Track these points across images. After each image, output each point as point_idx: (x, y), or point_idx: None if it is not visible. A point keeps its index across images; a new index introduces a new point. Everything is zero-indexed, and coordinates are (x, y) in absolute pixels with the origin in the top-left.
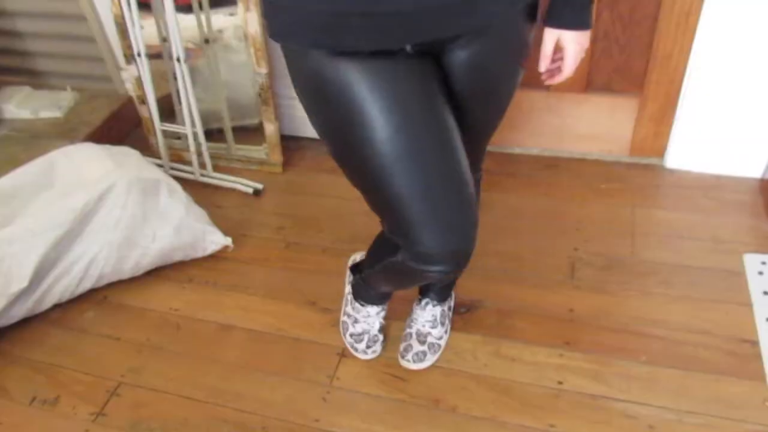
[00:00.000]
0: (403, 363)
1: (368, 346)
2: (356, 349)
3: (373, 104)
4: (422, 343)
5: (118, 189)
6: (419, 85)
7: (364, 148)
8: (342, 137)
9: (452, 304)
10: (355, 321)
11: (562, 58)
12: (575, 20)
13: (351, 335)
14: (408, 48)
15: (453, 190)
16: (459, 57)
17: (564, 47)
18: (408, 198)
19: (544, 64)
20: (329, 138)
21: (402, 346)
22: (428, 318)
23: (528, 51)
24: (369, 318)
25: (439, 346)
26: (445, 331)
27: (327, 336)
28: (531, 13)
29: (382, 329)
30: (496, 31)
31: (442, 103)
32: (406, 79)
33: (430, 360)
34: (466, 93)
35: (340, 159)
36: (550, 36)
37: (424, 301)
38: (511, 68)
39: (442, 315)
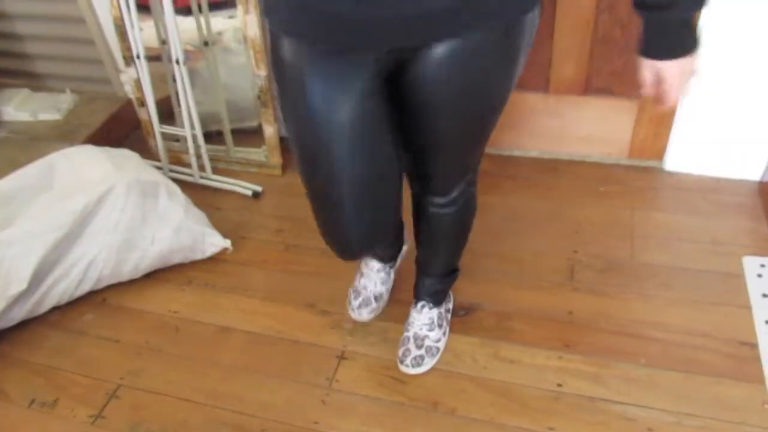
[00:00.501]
0: (402, 368)
1: (360, 306)
2: (350, 305)
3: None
4: (419, 347)
5: (117, 191)
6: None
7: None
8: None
9: (450, 306)
10: (360, 275)
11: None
12: (674, 47)
13: (353, 289)
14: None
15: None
16: (425, 64)
17: (663, 78)
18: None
19: (645, 92)
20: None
21: (400, 351)
22: (425, 321)
23: (507, 76)
24: (370, 273)
25: (438, 349)
26: (443, 334)
27: (326, 338)
28: (510, 38)
29: (380, 297)
30: (462, 47)
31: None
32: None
33: (428, 364)
34: (431, 102)
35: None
36: (647, 65)
37: (419, 304)
38: (479, 88)
39: (440, 317)
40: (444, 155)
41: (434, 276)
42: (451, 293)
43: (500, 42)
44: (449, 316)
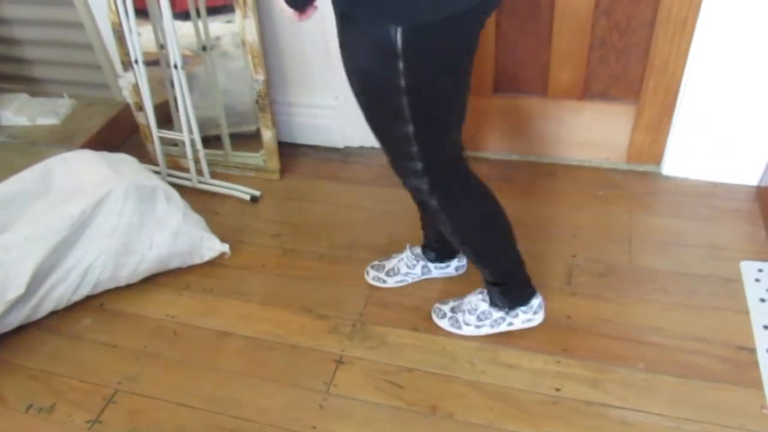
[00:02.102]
0: (432, 308)
1: (373, 266)
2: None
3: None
4: (453, 311)
5: (115, 196)
6: None
7: None
8: None
9: (508, 319)
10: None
11: None
12: None
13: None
14: None
15: None
16: None
17: None
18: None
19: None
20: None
21: (442, 300)
22: (472, 302)
23: (365, 80)
24: (408, 251)
25: (460, 326)
26: (477, 327)
27: (324, 343)
28: (375, 44)
29: (393, 272)
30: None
31: None
32: None
33: (444, 324)
34: None
35: None
36: None
37: (479, 289)
38: (359, 76)
39: (484, 314)
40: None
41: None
42: (516, 316)
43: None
44: (499, 325)
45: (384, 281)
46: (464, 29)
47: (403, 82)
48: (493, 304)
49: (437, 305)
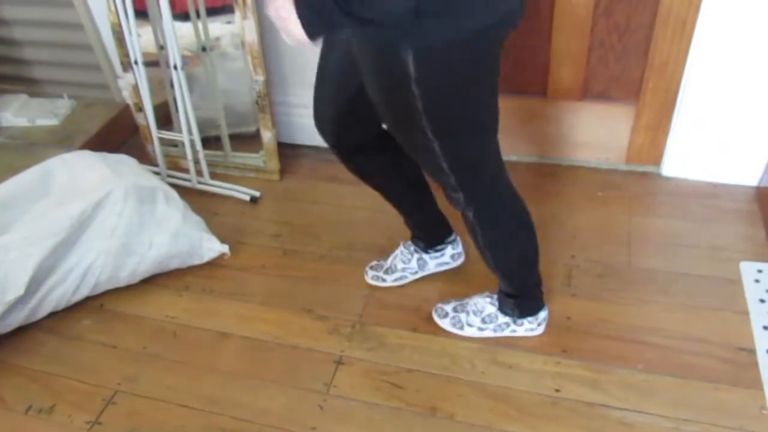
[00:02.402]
0: (433, 309)
1: (372, 266)
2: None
3: None
4: (456, 311)
5: (114, 196)
6: None
7: None
8: None
9: (513, 327)
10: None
11: None
12: None
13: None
14: None
15: None
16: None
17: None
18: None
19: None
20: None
21: (444, 301)
22: (479, 304)
23: (382, 96)
24: (401, 246)
25: (462, 327)
26: (480, 329)
27: (324, 344)
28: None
29: (391, 270)
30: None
31: None
32: None
33: (446, 324)
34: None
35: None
36: None
37: (488, 292)
38: (377, 96)
39: (490, 317)
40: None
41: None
42: (522, 325)
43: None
44: (503, 330)
45: (383, 280)
46: (480, 49)
47: (420, 105)
48: (502, 310)
49: (439, 305)
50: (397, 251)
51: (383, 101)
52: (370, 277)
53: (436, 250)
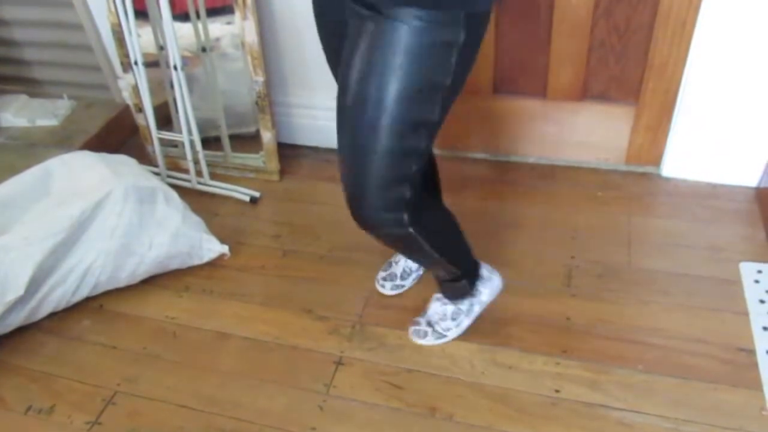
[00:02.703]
0: (408, 334)
1: (384, 278)
2: (378, 275)
3: None
4: (429, 326)
5: (114, 197)
6: None
7: None
8: None
9: (478, 298)
10: None
11: None
12: None
13: (388, 260)
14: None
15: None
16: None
17: None
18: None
19: None
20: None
21: (413, 321)
22: (438, 311)
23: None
24: None
25: (444, 335)
26: (456, 326)
27: (324, 344)
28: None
29: (407, 274)
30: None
31: None
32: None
33: (430, 340)
34: None
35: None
36: None
37: (437, 294)
38: (372, 68)
39: (455, 313)
40: None
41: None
42: (482, 292)
43: (394, 31)
44: (474, 309)
45: (402, 286)
46: (487, 23)
47: (449, 80)
48: (457, 299)
49: (414, 328)
50: (400, 257)
51: (410, 82)
52: (388, 289)
53: None
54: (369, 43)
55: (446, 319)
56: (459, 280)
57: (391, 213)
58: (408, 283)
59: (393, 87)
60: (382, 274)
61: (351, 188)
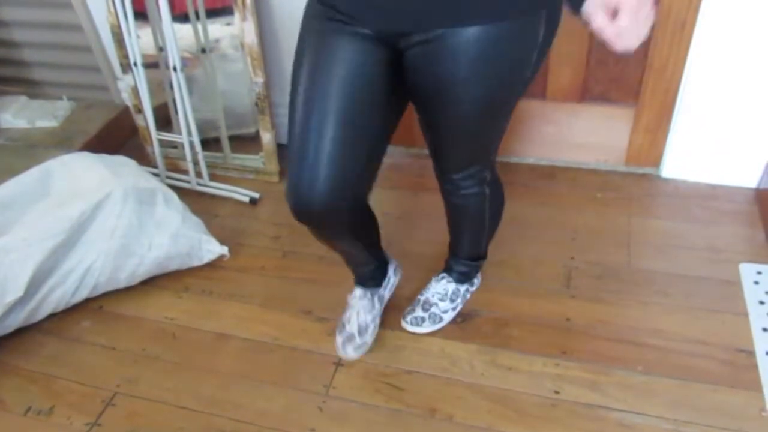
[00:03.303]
0: (403, 324)
1: (344, 342)
2: (336, 342)
3: (309, 58)
4: (425, 310)
5: (114, 198)
6: (354, 60)
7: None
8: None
9: (472, 289)
10: (347, 307)
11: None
12: None
13: (339, 324)
14: (367, 31)
15: (325, 150)
16: (411, 54)
17: (620, 8)
18: (293, 137)
19: (598, 28)
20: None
21: (407, 310)
22: (439, 290)
23: (504, 79)
24: (353, 302)
25: (441, 318)
26: (453, 309)
27: (323, 345)
28: (509, 36)
29: (365, 330)
30: (448, 42)
31: (373, 83)
32: (345, 49)
33: (427, 327)
34: (417, 91)
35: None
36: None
37: (441, 275)
38: (468, 88)
39: (455, 293)
40: (440, 142)
41: (459, 258)
42: (477, 280)
43: (486, 42)
44: (467, 296)
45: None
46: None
47: (529, 74)
48: (463, 280)
49: (410, 317)
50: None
51: (500, 82)
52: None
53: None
54: None
55: (446, 299)
56: (478, 260)
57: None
58: (368, 338)
59: None
60: (339, 339)
61: None
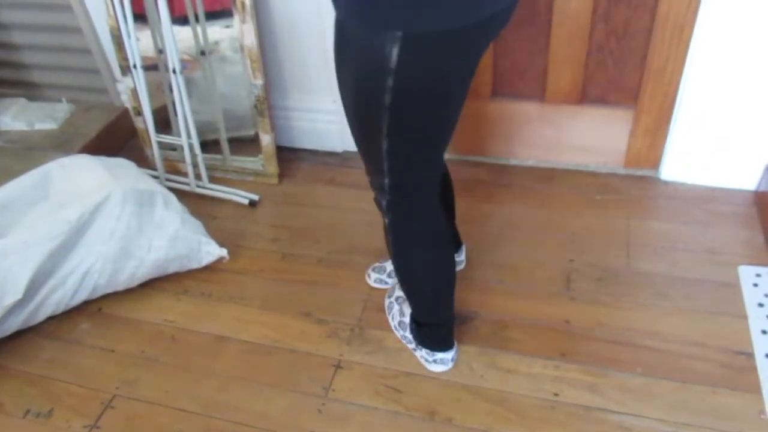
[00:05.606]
0: (366, 277)
1: (373, 269)
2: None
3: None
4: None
5: (113, 200)
6: None
7: None
8: None
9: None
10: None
11: None
12: None
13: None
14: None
15: None
16: None
17: None
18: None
19: None
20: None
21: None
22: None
23: (353, 87)
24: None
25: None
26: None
27: (323, 347)
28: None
29: (394, 274)
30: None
31: None
32: None
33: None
34: None
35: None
36: None
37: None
38: (350, 81)
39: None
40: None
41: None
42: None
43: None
44: (407, 342)
45: (386, 282)
46: (463, 48)
47: (387, 99)
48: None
49: (375, 277)
50: None
51: (354, 93)
52: (372, 280)
53: None
54: None
55: (397, 317)
56: (413, 321)
57: None
58: (392, 282)
59: None
60: (375, 264)
61: None
